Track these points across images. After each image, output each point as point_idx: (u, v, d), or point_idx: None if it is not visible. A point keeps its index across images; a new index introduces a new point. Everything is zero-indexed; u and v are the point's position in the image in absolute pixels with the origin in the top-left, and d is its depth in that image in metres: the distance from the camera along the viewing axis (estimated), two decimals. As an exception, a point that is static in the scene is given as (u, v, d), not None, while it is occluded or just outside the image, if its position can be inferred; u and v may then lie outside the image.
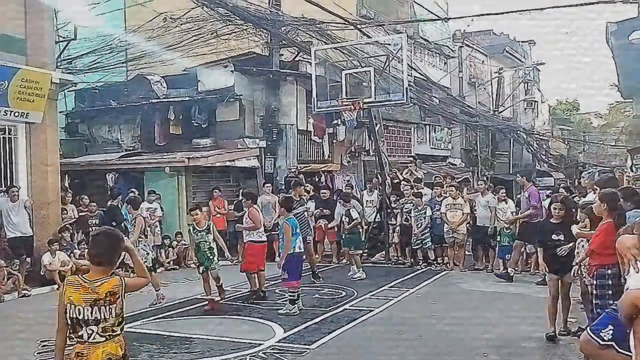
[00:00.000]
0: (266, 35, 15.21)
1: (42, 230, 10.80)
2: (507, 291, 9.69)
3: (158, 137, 15.71)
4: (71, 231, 11.36)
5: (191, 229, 8.74)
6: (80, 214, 11.92)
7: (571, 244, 6.65)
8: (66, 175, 13.37)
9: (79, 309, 3.38)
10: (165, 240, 12.83)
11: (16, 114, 10.43)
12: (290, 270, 8.21)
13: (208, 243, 8.49)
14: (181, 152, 14.61)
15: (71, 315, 3.40)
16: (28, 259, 10.33)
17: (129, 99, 15.88)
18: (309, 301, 8.77)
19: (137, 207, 9.27)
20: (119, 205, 12.40)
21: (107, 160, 14.84)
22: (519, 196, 12.09)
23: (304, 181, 14.69)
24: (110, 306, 3.43)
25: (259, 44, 15.62)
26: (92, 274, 3.49)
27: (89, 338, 3.40)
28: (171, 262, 12.69)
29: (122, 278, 3.55)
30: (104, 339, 3.42)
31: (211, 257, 8.49)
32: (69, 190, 12.50)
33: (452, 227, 11.63)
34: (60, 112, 13.84)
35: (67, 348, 3.51)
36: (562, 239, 6.69)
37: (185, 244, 12.47)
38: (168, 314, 8.30)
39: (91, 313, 3.39)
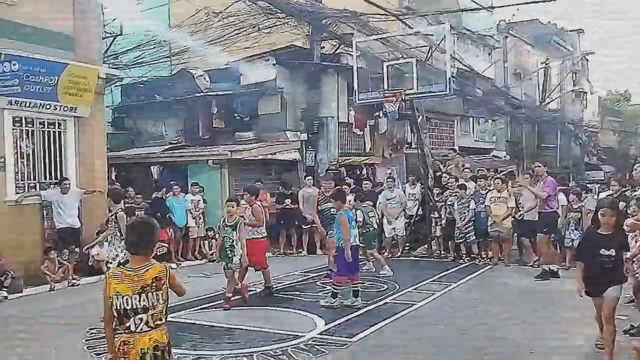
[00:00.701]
0: (307, 27, 15.20)
1: (89, 222, 11.10)
2: (553, 287, 9.39)
3: (201, 130, 15.97)
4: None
5: (221, 222, 8.42)
6: (127, 205, 12.18)
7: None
8: (113, 168, 13.71)
9: (126, 299, 3.41)
10: (208, 232, 13.02)
11: (65, 108, 10.77)
12: (340, 264, 8.05)
13: (231, 240, 8.14)
14: (224, 145, 14.79)
15: (118, 307, 3.41)
16: (77, 250, 10.64)
17: (173, 93, 16.16)
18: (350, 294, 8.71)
19: (119, 201, 7.89)
20: (164, 197, 12.65)
21: (152, 153, 15.15)
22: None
23: (344, 174, 14.67)
24: (157, 292, 3.46)
25: (300, 36, 15.62)
26: (133, 264, 3.53)
27: (136, 328, 3.42)
28: (214, 254, 12.85)
29: (166, 266, 3.59)
30: (150, 328, 3.44)
31: (230, 255, 8.15)
32: (116, 183, 12.81)
33: (497, 221, 11.39)
34: (107, 106, 14.17)
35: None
36: (613, 254, 5.21)
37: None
38: (211, 304, 8.42)
39: (139, 301, 3.42)
